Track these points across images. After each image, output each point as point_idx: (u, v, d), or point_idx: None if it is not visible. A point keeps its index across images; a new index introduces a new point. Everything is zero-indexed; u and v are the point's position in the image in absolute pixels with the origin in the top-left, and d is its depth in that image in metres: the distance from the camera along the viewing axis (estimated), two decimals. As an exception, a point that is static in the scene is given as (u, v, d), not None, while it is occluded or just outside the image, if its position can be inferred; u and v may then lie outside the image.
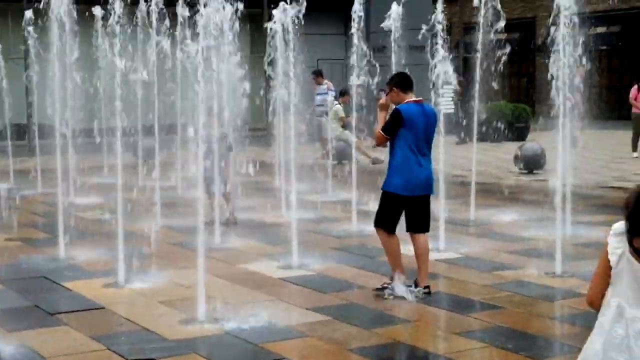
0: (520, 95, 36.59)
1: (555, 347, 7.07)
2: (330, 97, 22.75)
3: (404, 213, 8.50)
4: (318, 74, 23.88)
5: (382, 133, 8.42)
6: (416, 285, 8.42)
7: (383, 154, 18.27)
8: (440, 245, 10.60)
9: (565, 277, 9.11)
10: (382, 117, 8.63)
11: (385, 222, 8.45)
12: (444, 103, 29.38)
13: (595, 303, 3.70)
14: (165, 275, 9.33)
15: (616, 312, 3.56)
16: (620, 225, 3.60)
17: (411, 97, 8.51)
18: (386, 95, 8.69)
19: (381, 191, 8.59)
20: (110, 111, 10.64)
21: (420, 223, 8.51)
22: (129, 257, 9.20)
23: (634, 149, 21.49)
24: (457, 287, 8.85)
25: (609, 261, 3.62)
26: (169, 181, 15.47)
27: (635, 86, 21.87)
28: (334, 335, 7.23)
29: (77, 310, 8.04)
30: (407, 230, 8.57)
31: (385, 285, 8.50)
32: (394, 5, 13.16)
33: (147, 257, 10.01)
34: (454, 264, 9.88)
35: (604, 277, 3.64)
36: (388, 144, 8.51)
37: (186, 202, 14.49)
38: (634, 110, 21.61)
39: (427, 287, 8.44)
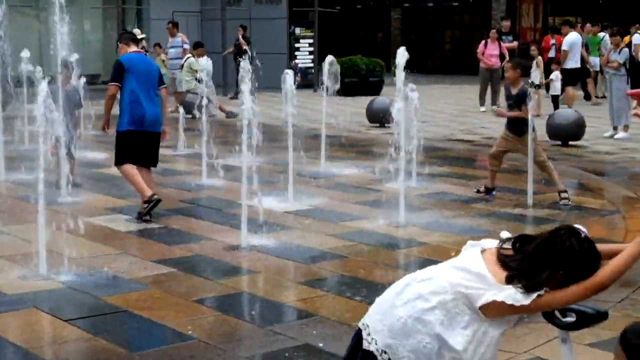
0: (375, 50, 37.05)
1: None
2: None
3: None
4: (174, 25, 23.57)
5: (111, 83, 9.70)
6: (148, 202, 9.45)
7: (237, 107, 18.24)
8: (289, 197, 10.71)
9: (408, 227, 9.37)
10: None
11: (125, 158, 9.66)
12: (301, 58, 29.58)
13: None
14: (6, 230, 9.12)
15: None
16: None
17: (133, 49, 9.84)
18: None
19: (116, 134, 9.75)
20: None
21: (149, 159, 9.84)
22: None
23: (482, 103, 22.13)
24: (304, 238, 8.97)
25: None
26: (14, 135, 15.02)
27: (483, 42, 22.41)
28: (178, 287, 7.24)
29: None
30: (135, 163, 9.67)
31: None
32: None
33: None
34: (301, 216, 10.00)
35: None
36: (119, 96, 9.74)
37: (32, 156, 14.15)
38: (481, 65, 22.17)
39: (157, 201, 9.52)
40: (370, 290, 7.16)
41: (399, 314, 3.58)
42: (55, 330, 6.32)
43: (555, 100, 20.48)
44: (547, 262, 3.49)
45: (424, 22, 40.41)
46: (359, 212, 10.19)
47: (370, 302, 6.68)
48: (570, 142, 15.56)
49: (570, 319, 3.64)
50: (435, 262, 3.85)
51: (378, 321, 3.63)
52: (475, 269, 3.55)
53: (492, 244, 3.69)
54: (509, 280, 3.48)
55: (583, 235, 3.56)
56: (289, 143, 10.95)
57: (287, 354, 5.74)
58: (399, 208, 9.60)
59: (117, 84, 9.61)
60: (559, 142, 15.53)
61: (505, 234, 3.71)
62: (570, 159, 14.11)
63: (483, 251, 3.65)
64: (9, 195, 11.14)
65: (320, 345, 5.90)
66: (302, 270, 7.86)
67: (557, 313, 3.65)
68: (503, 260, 3.55)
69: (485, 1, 36.76)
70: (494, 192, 10.93)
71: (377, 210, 10.20)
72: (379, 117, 18.18)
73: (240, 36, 25.38)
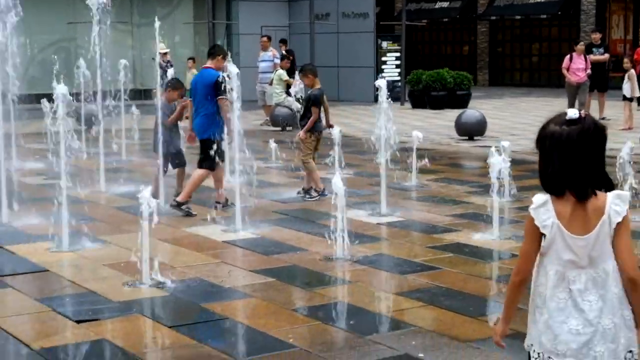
0: (462, 63, 36.95)
1: (491, 305, 7.32)
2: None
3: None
4: (269, 38, 23.90)
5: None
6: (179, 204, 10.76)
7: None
8: (382, 209, 10.79)
9: (502, 240, 9.36)
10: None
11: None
12: (388, 71, 29.65)
13: (528, 279, 3.78)
14: (109, 239, 9.40)
15: (555, 278, 3.67)
16: (540, 197, 3.71)
17: (208, 65, 11.07)
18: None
19: None
20: (51, 77, 10.64)
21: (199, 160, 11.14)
22: (72, 222, 9.24)
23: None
24: (397, 250, 9.06)
25: (539, 235, 3.69)
26: (112, 147, 15.45)
27: (568, 56, 21.77)
28: (277, 296, 7.39)
29: (22, 273, 8.11)
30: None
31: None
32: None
33: (91, 221, 10.06)
34: (394, 227, 10.08)
35: (535, 252, 3.72)
36: None
37: (131, 168, 14.54)
38: (567, 79, 21.63)
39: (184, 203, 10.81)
40: (466, 302, 7.20)
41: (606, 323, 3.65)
42: (160, 336, 6.52)
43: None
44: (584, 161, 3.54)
45: (511, 35, 40.12)
46: (452, 224, 10.22)
47: (466, 313, 6.80)
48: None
49: None
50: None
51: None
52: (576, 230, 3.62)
53: (543, 196, 3.69)
54: (583, 196, 3.58)
55: (569, 116, 3.56)
56: (381, 155, 11.03)
57: (388, 364, 5.82)
58: (493, 220, 9.60)
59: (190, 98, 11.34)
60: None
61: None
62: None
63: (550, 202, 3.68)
64: (109, 205, 11.46)
65: (420, 355, 5.96)
66: (397, 281, 7.93)
67: None
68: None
69: (573, 13, 36.33)
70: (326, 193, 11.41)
71: (471, 222, 10.23)
72: (469, 130, 18.17)
73: (283, 51, 25.41)
